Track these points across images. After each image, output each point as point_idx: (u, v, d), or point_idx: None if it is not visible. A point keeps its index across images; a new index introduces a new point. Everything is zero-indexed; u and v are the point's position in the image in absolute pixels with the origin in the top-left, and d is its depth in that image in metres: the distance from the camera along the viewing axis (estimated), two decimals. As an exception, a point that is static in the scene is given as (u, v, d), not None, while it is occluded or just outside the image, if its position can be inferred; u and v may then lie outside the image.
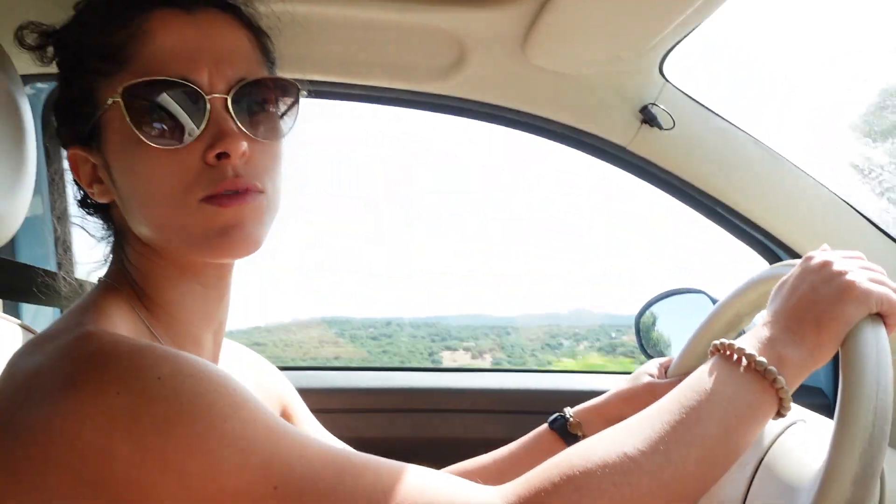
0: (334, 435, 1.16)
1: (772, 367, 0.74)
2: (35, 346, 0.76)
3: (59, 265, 1.58)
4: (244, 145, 0.79)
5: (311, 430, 1.16)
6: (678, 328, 1.78)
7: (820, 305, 0.78)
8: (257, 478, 0.65)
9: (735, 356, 0.77)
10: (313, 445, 0.69)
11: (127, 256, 0.87)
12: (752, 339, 0.79)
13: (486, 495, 0.69)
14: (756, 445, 0.94)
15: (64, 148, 0.87)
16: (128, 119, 0.77)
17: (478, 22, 1.27)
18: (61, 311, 1.61)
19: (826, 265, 0.82)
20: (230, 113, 0.80)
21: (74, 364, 0.68)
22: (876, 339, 0.77)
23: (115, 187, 0.83)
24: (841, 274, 0.80)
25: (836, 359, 0.85)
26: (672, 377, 1.14)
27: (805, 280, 0.82)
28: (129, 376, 0.66)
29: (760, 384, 0.75)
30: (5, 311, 1.47)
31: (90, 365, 0.67)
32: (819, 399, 1.65)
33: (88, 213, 0.91)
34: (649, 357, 1.81)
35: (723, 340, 0.79)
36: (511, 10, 1.22)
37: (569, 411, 1.14)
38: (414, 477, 0.70)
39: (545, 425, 1.14)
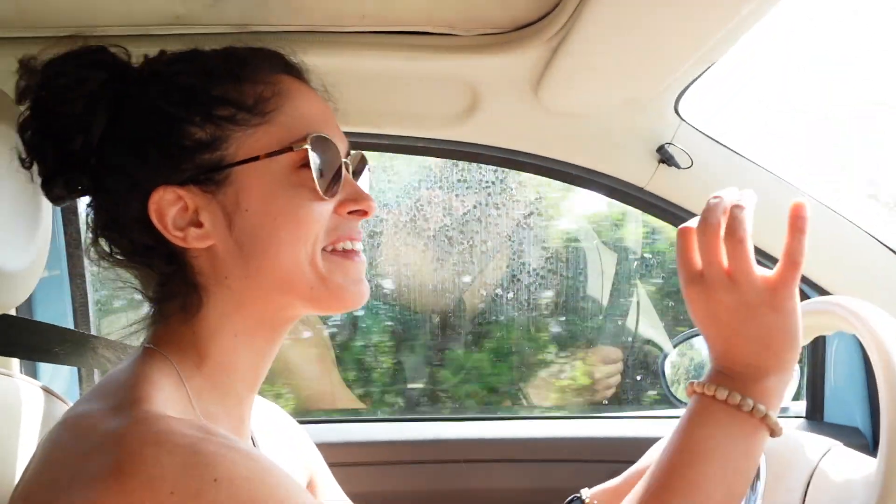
0: (353, 489, 1.13)
1: (761, 406, 0.75)
2: (78, 424, 0.73)
3: (77, 324, 1.59)
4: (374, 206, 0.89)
5: (334, 495, 1.13)
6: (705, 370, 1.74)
7: (742, 327, 0.78)
8: None
9: (717, 395, 0.77)
10: None
11: (199, 312, 0.84)
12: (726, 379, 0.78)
13: None
14: (799, 468, 0.99)
15: (140, 186, 0.81)
16: (312, 169, 0.82)
17: (490, 68, 1.27)
18: (80, 371, 1.60)
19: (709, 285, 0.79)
20: (350, 175, 0.90)
21: (126, 451, 0.65)
22: None
23: (233, 233, 0.82)
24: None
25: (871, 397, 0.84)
26: None
27: (712, 316, 0.80)
28: (184, 475, 0.64)
29: (745, 419, 0.76)
30: (22, 370, 1.47)
31: (143, 456, 0.64)
32: (857, 439, 1.60)
33: (144, 265, 0.86)
34: (678, 403, 1.78)
35: (701, 380, 0.79)
36: (523, 55, 1.22)
37: (585, 493, 1.11)
38: None
39: None
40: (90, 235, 0.88)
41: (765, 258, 1.53)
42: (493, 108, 1.37)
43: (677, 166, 1.45)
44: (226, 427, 0.82)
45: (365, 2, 1.13)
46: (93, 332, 1.58)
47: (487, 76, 1.30)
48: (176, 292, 0.84)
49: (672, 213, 1.53)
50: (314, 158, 0.82)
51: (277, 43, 0.95)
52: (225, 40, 0.90)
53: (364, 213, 0.88)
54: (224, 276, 0.83)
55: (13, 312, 1.41)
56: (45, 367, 1.55)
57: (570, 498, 1.12)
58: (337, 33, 1.21)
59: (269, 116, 0.83)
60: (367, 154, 0.99)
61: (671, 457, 0.76)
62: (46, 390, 1.06)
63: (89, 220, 0.87)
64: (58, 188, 0.85)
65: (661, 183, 1.49)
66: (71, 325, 1.59)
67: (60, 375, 1.62)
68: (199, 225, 0.82)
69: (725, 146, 1.49)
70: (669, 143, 1.45)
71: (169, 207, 0.81)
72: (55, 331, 1.14)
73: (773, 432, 0.76)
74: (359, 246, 0.89)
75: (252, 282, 0.83)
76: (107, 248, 0.86)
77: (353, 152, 0.94)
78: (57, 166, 0.84)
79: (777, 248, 1.46)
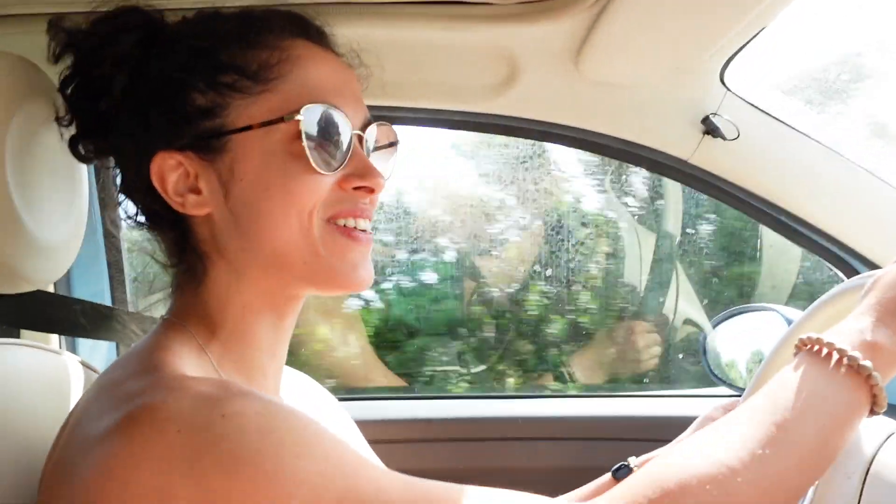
0: (391, 467, 1.12)
1: (866, 363, 0.69)
2: (102, 390, 0.74)
3: (114, 300, 1.60)
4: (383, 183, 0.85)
5: None
6: (749, 350, 1.70)
7: None
8: None
9: (825, 351, 0.71)
10: (389, 477, 0.66)
11: (204, 283, 0.84)
12: (843, 331, 0.73)
13: None
14: (857, 454, 0.92)
15: (146, 150, 0.81)
16: (304, 140, 0.78)
17: (529, 37, 1.24)
18: (118, 347, 1.62)
19: None
20: (365, 149, 0.86)
21: (135, 404, 0.65)
22: None
23: (228, 201, 0.81)
24: None
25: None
26: None
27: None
28: (190, 413, 0.63)
29: (854, 381, 0.69)
30: (61, 346, 1.49)
31: (152, 405, 0.64)
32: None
33: (155, 229, 0.87)
34: (719, 382, 1.74)
35: (810, 335, 0.73)
36: (563, 22, 1.18)
37: (633, 461, 1.08)
38: (498, 500, 0.67)
39: (608, 475, 1.08)
40: (114, 198, 0.90)
41: (808, 229, 1.49)
42: (532, 80, 1.33)
43: (723, 138, 1.40)
44: None
45: (401, -30, 1.10)
46: (130, 308, 1.59)
47: (525, 46, 1.26)
48: (184, 260, 0.85)
49: (717, 186, 1.48)
50: (308, 130, 0.79)
51: (313, 14, 0.93)
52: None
53: (370, 189, 0.84)
54: (223, 247, 0.83)
55: (51, 289, 1.43)
56: (83, 343, 1.57)
57: (617, 465, 1.09)
58: (372, 3, 1.19)
59: (271, 84, 0.80)
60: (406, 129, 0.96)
61: (771, 395, 0.70)
62: (85, 365, 1.06)
63: (114, 182, 0.89)
64: (85, 148, 0.87)
65: (706, 155, 1.44)
66: (108, 302, 1.61)
67: (100, 351, 1.64)
68: (198, 192, 0.82)
69: (774, 117, 1.43)
70: (715, 114, 1.40)
71: (170, 172, 0.81)
72: (88, 306, 1.15)
73: (875, 407, 0.70)
74: (364, 225, 0.85)
75: (248, 254, 0.82)
76: (132, 210, 0.88)
77: (381, 127, 0.90)
78: (86, 127, 0.85)
79: (826, 219, 1.44)
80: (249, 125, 0.79)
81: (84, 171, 1.01)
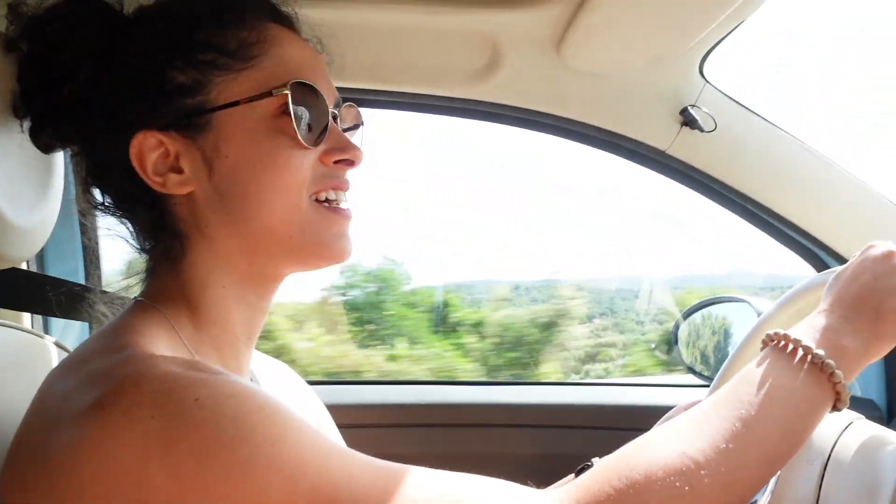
0: (365, 452, 1.13)
1: (829, 361, 0.71)
2: (68, 368, 0.73)
3: (88, 278, 1.58)
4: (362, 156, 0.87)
5: None
6: (720, 339, 1.73)
7: (880, 295, 0.75)
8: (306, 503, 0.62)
9: (790, 347, 0.73)
10: (360, 461, 0.67)
11: (182, 262, 0.83)
12: (807, 328, 0.74)
13: (543, 500, 0.66)
14: (819, 441, 0.95)
15: (122, 131, 0.80)
16: (292, 116, 0.79)
17: (512, 23, 1.24)
18: (91, 326, 1.60)
19: (890, 256, 0.79)
20: (338, 126, 0.87)
21: (106, 385, 0.64)
22: None
23: (212, 179, 0.80)
24: None
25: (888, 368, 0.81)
26: None
27: (866, 269, 0.78)
28: (164, 398, 0.63)
29: (817, 377, 0.71)
30: (33, 325, 1.47)
31: (122, 386, 0.64)
32: (872, 411, 1.58)
33: (128, 212, 0.85)
34: (689, 371, 1.76)
35: (777, 331, 0.75)
36: (546, 9, 1.18)
37: (597, 462, 1.09)
38: (468, 486, 0.67)
39: (572, 476, 1.10)
40: (78, 185, 0.88)
41: (781, 223, 1.51)
42: (514, 66, 1.33)
43: (700, 129, 1.42)
44: None
45: (384, -48, 1.10)
46: (103, 286, 1.57)
47: (508, 31, 1.26)
48: (160, 241, 0.84)
49: (693, 178, 1.50)
50: (295, 104, 0.80)
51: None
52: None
53: (350, 162, 0.86)
54: (204, 225, 0.82)
55: (24, 267, 1.41)
56: (55, 323, 1.55)
57: (580, 466, 1.10)
58: (355, -14, 1.18)
59: (252, 62, 0.81)
60: (382, 113, 0.97)
61: (735, 389, 0.71)
62: (58, 345, 1.05)
63: (79, 169, 0.87)
64: (46, 136, 0.85)
65: (684, 147, 1.45)
66: (82, 281, 1.58)
67: (72, 331, 1.62)
68: (180, 171, 0.81)
69: (751, 110, 1.45)
70: (693, 106, 1.41)
71: (150, 152, 0.80)
72: (59, 284, 1.13)
73: (838, 403, 0.72)
74: (344, 198, 0.87)
75: (232, 230, 0.81)
76: (98, 198, 0.86)
77: (349, 108, 0.91)
78: (47, 114, 0.83)
79: (798, 214, 1.46)
80: (236, 101, 0.79)
81: (59, 153, 0.99)
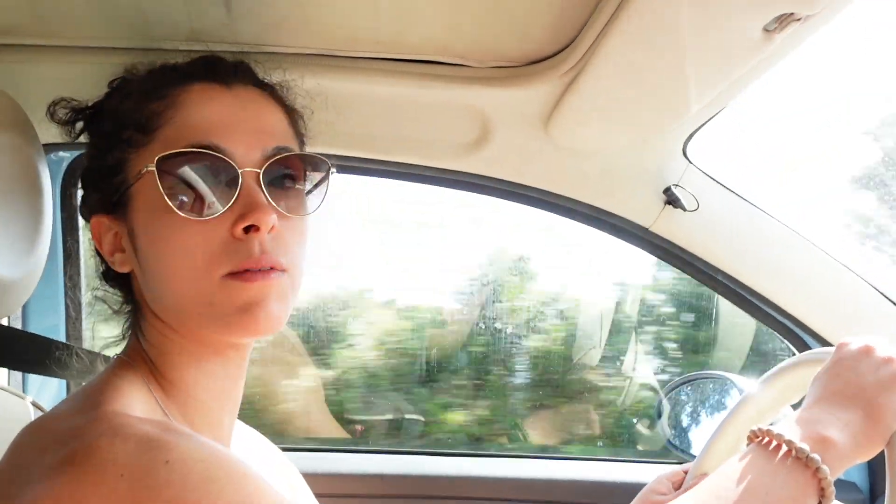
0: None
1: (815, 456, 0.70)
2: (42, 425, 0.73)
3: (69, 336, 1.56)
4: (274, 218, 0.77)
5: None
6: (702, 417, 1.72)
7: (867, 392, 0.74)
8: None
9: (774, 443, 0.72)
10: None
11: (143, 332, 0.85)
12: (792, 424, 0.74)
13: None
14: None
15: (87, 217, 0.87)
16: (160, 188, 0.76)
17: (502, 100, 1.27)
18: (69, 385, 1.57)
19: (870, 351, 0.78)
20: (261, 186, 0.78)
21: (78, 442, 0.64)
22: None
23: (138, 257, 0.82)
24: (890, 361, 0.76)
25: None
26: (696, 478, 1.07)
27: (847, 366, 0.78)
28: (134, 458, 0.62)
29: (802, 474, 0.70)
30: (10, 381, 1.44)
31: (94, 444, 0.64)
32: (855, 494, 1.57)
33: (109, 285, 0.90)
34: (672, 448, 1.75)
35: (760, 426, 0.74)
36: (535, 89, 1.22)
37: None
38: None
39: None
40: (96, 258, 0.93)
41: (762, 302, 1.52)
42: (503, 141, 1.36)
43: (683, 208, 1.44)
44: None
45: (380, 28, 1.13)
46: (85, 345, 1.56)
47: (499, 108, 1.30)
48: (129, 310, 0.88)
49: (676, 255, 1.52)
50: (171, 176, 0.76)
51: (289, 64, 0.95)
52: (235, 59, 0.90)
53: (255, 228, 0.76)
54: (147, 299, 0.84)
55: (5, 322, 1.40)
56: (32, 379, 1.53)
57: None
58: (351, 58, 1.21)
59: (155, 134, 0.79)
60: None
61: (715, 486, 0.71)
62: (35, 405, 1.04)
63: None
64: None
65: (667, 224, 1.48)
66: (63, 338, 1.57)
67: (50, 387, 1.59)
68: (122, 250, 0.84)
69: (732, 191, 1.48)
70: (676, 185, 1.44)
71: (104, 234, 0.85)
72: (39, 341, 1.12)
73: (823, 501, 0.70)
74: (266, 263, 0.77)
75: (158, 305, 0.83)
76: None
77: (295, 159, 0.84)
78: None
79: (779, 294, 1.48)
80: (129, 180, 0.81)
81: (49, 206, 1.00)
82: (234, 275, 0.76)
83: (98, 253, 0.88)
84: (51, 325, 1.56)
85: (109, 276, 0.89)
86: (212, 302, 0.77)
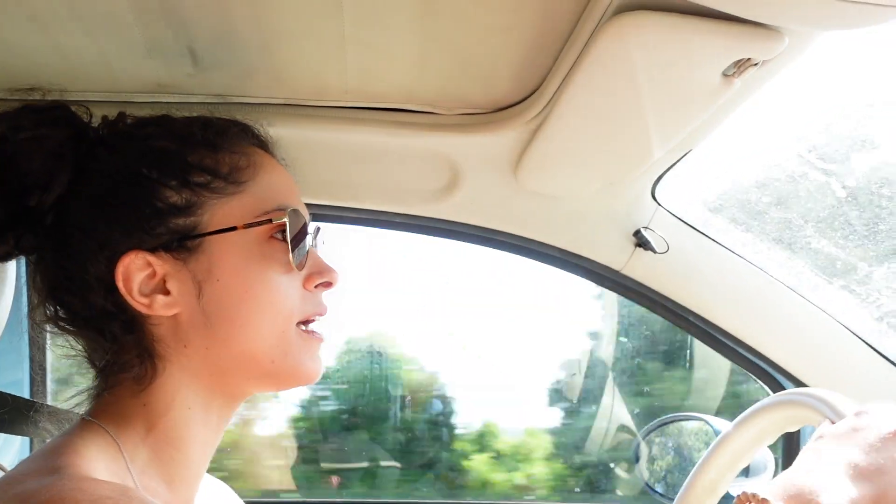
0: None
1: None
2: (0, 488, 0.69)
3: (33, 393, 1.53)
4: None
5: None
6: (679, 458, 1.71)
7: (887, 477, 0.69)
8: None
9: None
10: None
11: (151, 382, 0.80)
12: (790, 487, 0.69)
13: None
14: None
15: (107, 249, 0.79)
16: (289, 242, 0.82)
17: (470, 147, 1.28)
18: (31, 442, 1.53)
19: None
20: (315, 248, 0.89)
21: None
22: None
23: (201, 302, 0.80)
24: None
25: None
26: None
27: (871, 440, 0.72)
28: None
29: None
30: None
31: None
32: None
33: (96, 329, 0.81)
34: (649, 490, 1.73)
35: (745, 490, 0.70)
36: (503, 135, 1.23)
37: None
38: None
39: None
40: (35, 296, 0.84)
41: (735, 343, 1.53)
42: (473, 187, 1.37)
43: (653, 251, 1.45)
44: None
45: (348, 77, 1.14)
46: (49, 401, 1.52)
47: (467, 155, 1.31)
48: (130, 361, 0.81)
49: (648, 297, 1.52)
50: (290, 230, 0.82)
51: (257, 114, 0.96)
52: (203, 110, 0.90)
53: (329, 284, 0.88)
54: (184, 345, 0.81)
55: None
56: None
57: None
58: (319, 107, 1.22)
59: (243, 186, 0.83)
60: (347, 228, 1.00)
61: None
62: (-6, 464, 1.00)
63: (35, 280, 0.84)
64: (4, 244, 0.82)
65: (638, 267, 1.49)
66: (27, 394, 1.53)
67: (10, 444, 1.55)
68: (167, 292, 0.80)
69: (702, 232, 1.50)
70: (646, 228, 1.46)
71: (137, 273, 0.79)
72: (2, 397, 1.10)
73: None
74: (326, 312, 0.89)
75: (212, 352, 0.81)
76: (52, 311, 0.83)
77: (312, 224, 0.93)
78: (8, 222, 0.81)
79: (751, 335, 1.49)
80: (233, 226, 0.81)
81: (10, 262, 0.98)
82: (309, 332, 0.86)
83: (100, 290, 0.79)
84: (14, 381, 1.53)
85: (108, 317, 0.80)
86: (286, 352, 0.83)
